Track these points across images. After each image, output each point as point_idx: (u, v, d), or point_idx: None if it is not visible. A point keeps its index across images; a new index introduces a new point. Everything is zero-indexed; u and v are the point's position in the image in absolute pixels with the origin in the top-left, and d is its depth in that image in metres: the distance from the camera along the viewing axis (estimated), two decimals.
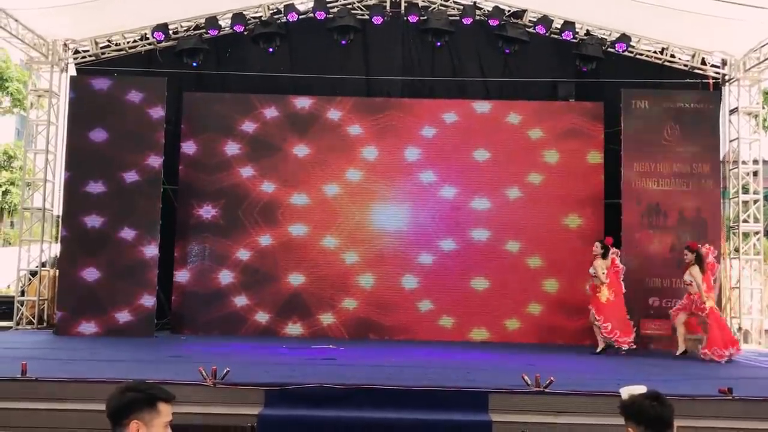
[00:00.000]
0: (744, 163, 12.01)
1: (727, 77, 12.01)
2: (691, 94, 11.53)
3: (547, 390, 6.20)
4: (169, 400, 2.71)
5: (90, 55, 12.19)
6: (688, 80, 11.92)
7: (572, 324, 11.22)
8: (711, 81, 12.02)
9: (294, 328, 11.39)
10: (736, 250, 11.96)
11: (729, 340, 9.41)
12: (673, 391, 6.21)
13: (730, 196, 12.14)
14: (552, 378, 6.24)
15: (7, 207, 25.18)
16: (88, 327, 10.78)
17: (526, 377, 6.32)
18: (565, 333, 11.33)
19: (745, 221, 11.92)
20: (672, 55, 11.99)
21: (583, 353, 9.92)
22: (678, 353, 9.61)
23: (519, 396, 6.24)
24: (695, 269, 9.40)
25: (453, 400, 6.24)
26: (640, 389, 3.23)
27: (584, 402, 6.18)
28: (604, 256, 9.95)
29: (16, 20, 11.16)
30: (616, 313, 9.85)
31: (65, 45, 12.18)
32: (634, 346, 9.85)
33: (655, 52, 12.04)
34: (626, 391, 3.25)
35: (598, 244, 10.05)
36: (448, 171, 11.80)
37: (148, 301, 10.92)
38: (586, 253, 11.30)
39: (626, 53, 11.84)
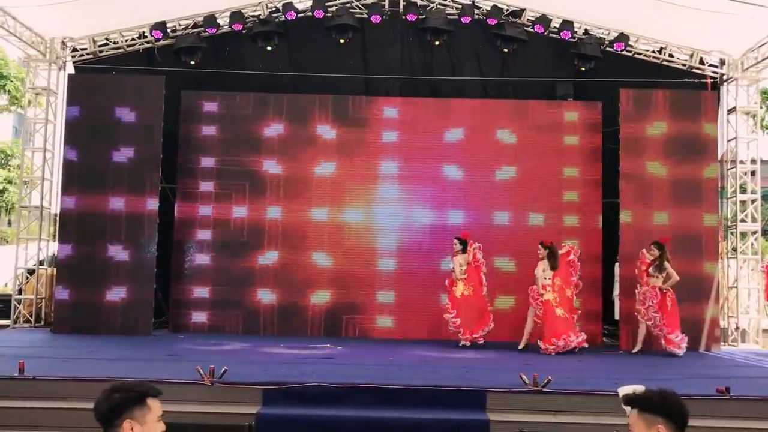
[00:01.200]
0: (742, 162, 12.02)
1: (725, 77, 12.02)
2: (689, 93, 11.53)
3: (544, 389, 6.21)
4: (157, 395, 2.72)
5: (88, 54, 12.17)
6: (686, 79, 11.92)
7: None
8: (709, 80, 12.02)
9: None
10: (734, 249, 11.98)
11: (562, 331, 9.62)
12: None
13: (728, 196, 12.15)
14: (550, 377, 6.25)
15: (4, 205, 25.14)
16: (86, 325, 10.76)
17: (524, 376, 6.33)
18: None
19: (743, 221, 11.94)
20: (670, 55, 11.99)
21: (580, 352, 9.92)
22: (520, 347, 9.92)
23: (517, 395, 6.25)
24: (545, 263, 9.82)
25: (451, 399, 6.25)
26: (639, 389, 3.21)
27: (582, 401, 6.20)
28: (464, 251, 10.11)
29: (14, 18, 11.14)
30: (470, 308, 10.07)
31: (63, 43, 12.15)
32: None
33: (653, 51, 12.04)
34: (624, 391, 3.23)
35: (456, 241, 10.22)
36: (446, 169, 11.79)
37: (146, 299, 10.91)
38: (584, 253, 11.33)
39: (624, 52, 11.84)
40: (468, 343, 9.96)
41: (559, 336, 9.53)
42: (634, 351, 9.94)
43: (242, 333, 11.22)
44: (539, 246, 10.03)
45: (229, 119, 11.87)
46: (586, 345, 9.82)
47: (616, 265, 11.18)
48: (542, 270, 9.85)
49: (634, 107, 11.20)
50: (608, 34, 11.83)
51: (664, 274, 9.78)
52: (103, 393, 2.64)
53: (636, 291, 10.07)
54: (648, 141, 11.12)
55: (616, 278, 11.22)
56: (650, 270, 9.82)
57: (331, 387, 6.31)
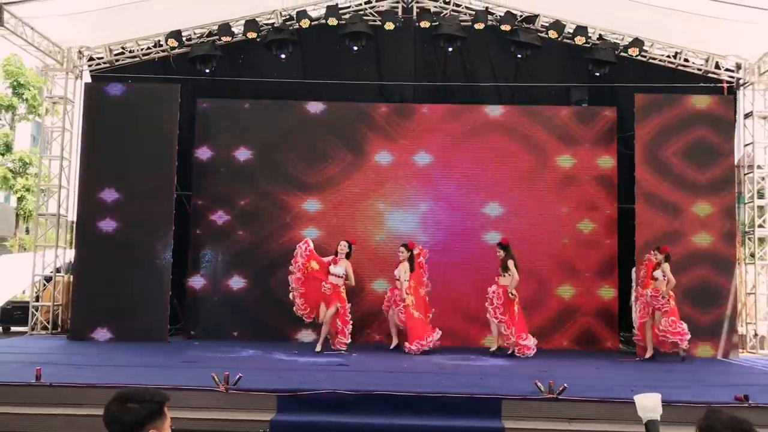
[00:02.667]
0: (759, 167, 11.91)
1: (741, 81, 11.93)
2: (705, 98, 11.45)
3: (560, 397, 6.17)
4: (169, 399, 2.75)
5: (104, 62, 12.29)
6: (701, 84, 11.83)
7: (584, 329, 11.15)
8: (725, 85, 11.93)
9: (306, 335, 11.36)
10: (752, 255, 11.86)
11: (424, 331, 10.05)
12: (688, 398, 6.17)
13: (745, 201, 12.03)
14: (565, 385, 6.21)
15: (22, 213, 25.41)
16: (102, 332, 10.84)
17: (539, 384, 6.30)
18: (581, 339, 11.26)
19: (760, 226, 11.82)
20: (685, 59, 11.92)
21: (597, 359, 9.85)
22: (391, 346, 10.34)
23: (532, 402, 6.22)
24: (405, 265, 10.11)
25: (466, 407, 6.23)
26: (655, 397, 3.18)
27: (597, 409, 6.16)
28: (410, 258, 10.20)
29: (32, 28, 11.28)
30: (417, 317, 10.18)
31: (80, 52, 12.28)
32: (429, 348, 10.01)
33: (668, 56, 11.98)
34: (640, 399, 3.20)
35: (403, 248, 10.26)
36: (459, 176, 11.78)
37: (162, 306, 10.97)
38: (599, 258, 11.29)
39: (639, 57, 11.78)
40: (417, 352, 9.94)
41: (423, 337, 9.98)
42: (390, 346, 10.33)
43: (258, 339, 11.21)
44: (402, 247, 10.31)
45: (244, 126, 11.92)
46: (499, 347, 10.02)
47: (633, 270, 11.10)
48: (404, 272, 10.08)
49: (649, 112, 11.12)
50: (622, 39, 11.78)
51: (508, 274, 9.98)
52: (115, 404, 2.62)
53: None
54: (663, 146, 11.05)
55: (634, 284, 11.14)
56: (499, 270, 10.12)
57: (345, 394, 6.31)
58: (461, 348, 10.69)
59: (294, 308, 10.11)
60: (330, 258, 10.12)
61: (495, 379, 7.49)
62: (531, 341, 9.97)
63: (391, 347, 10.32)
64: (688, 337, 9.78)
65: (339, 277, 9.96)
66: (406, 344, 10.02)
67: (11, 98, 24.67)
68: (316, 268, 10.04)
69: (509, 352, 9.95)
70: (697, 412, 5.47)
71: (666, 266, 9.82)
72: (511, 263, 10.01)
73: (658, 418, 3.13)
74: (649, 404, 3.16)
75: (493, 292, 10.13)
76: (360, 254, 10.85)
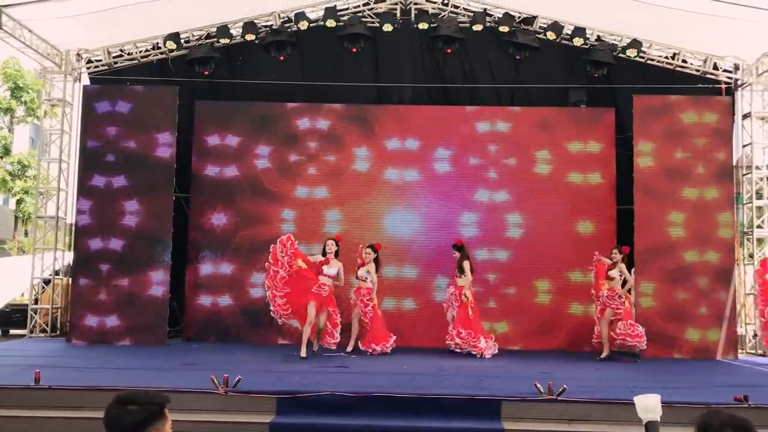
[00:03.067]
0: (758, 168, 11.92)
1: (739, 82, 11.94)
2: (703, 99, 11.46)
3: (559, 398, 6.17)
4: (169, 401, 2.76)
5: (103, 65, 12.29)
6: (700, 85, 11.85)
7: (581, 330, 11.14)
8: (723, 86, 11.94)
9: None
10: (751, 256, 11.86)
11: (385, 334, 10.15)
12: (688, 399, 6.17)
13: (744, 202, 12.05)
14: (565, 386, 6.21)
15: (21, 216, 25.39)
16: (101, 334, 10.82)
17: (538, 385, 6.29)
18: (579, 340, 11.25)
19: (759, 227, 11.83)
20: (684, 60, 11.93)
21: (597, 361, 9.85)
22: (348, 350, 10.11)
23: (532, 404, 6.22)
24: (372, 266, 10.09)
25: (465, 408, 6.23)
26: (655, 398, 3.18)
27: (597, 410, 6.16)
28: (377, 260, 10.18)
29: (30, 30, 11.27)
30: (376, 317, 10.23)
31: (78, 55, 12.28)
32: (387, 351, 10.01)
33: (666, 57, 11.99)
34: (640, 400, 3.21)
35: (369, 250, 10.13)
36: (459, 177, 11.78)
37: (160, 308, 10.96)
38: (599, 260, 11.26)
39: (637, 59, 11.79)
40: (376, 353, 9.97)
41: (387, 338, 10.08)
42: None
43: (257, 342, 11.20)
44: (368, 249, 10.18)
45: (242, 128, 11.93)
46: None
47: (632, 271, 11.09)
48: (368, 272, 10.07)
49: (647, 113, 11.13)
50: (621, 40, 11.79)
51: (464, 275, 10.02)
52: (115, 406, 2.62)
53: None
54: (662, 146, 11.05)
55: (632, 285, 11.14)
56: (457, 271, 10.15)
57: (344, 396, 6.30)
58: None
59: (271, 308, 9.51)
60: (317, 258, 9.82)
61: (494, 381, 7.49)
62: (483, 343, 9.94)
63: (348, 350, 10.07)
64: (645, 339, 9.86)
65: (332, 278, 9.76)
66: (365, 343, 10.02)
67: (9, 101, 24.67)
68: (303, 266, 9.54)
69: (458, 350, 9.99)
70: (697, 413, 5.46)
71: (623, 266, 9.89)
72: (466, 264, 10.06)
73: (658, 419, 3.13)
74: (649, 405, 3.16)
75: (451, 294, 10.24)
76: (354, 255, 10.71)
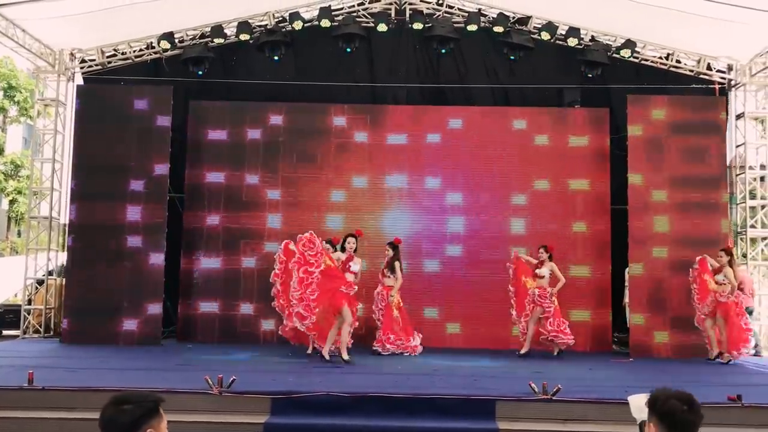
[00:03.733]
0: (751, 168, 11.97)
1: (733, 82, 11.98)
2: (697, 99, 11.50)
3: (554, 398, 6.17)
4: (164, 401, 2.76)
5: (96, 64, 12.25)
6: (693, 85, 11.89)
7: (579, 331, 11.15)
8: (717, 86, 11.98)
9: None
10: (744, 255, 11.90)
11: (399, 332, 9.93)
12: None
13: (738, 202, 12.10)
14: (559, 386, 6.21)
15: (14, 216, 25.31)
16: (95, 335, 10.78)
17: (533, 385, 6.30)
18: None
19: (752, 227, 11.87)
20: (677, 61, 11.97)
21: (591, 361, 9.87)
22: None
23: (526, 404, 6.22)
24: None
25: (460, 408, 6.22)
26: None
27: (592, 409, 6.16)
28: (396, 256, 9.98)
29: (23, 30, 11.22)
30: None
31: (72, 54, 12.23)
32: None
33: (660, 57, 12.02)
34: (634, 399, 3.22)
35: (325, 243, 9.33)
36: (454, 178, 11.80)
37: (155, 309, 10.93)
38: (593, 260, 11.31)
39: (631, 59, 11.81)
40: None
41: (405, 336, 10.00)
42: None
43: (252, 342, 11.17)
44: (388, 246, 10.09)
45: (237, 128, 11.91)
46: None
47: (627, 271, 11.14)
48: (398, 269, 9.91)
49: (641, 113, 11.17)
50: (615, 40, 11.82)
51: (393, 275, 9.91)
52: (111, 407, 2.62)
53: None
54: (655, 146, 11.09)
55: (627, 284, 11.18)
56: (385, 270, 10.02)
57: (339, 396, 6.29)
58: (456, 350, 10.68)
59: (296, 315, 8.74)
60: (340, 255, 9.40)
61: (489, 380, 7.49)
62: (415, 341, 10.02)
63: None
64: (572, 336, 9.95)
65: (356, 275, 9.31)
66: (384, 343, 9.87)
67: (2, 100, 24.59)
68: (331, 264, 8.99)
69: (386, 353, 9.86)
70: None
71: (553, 264, 9.97)
72: (397, 265, 9.95)
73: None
74: (642, 404, 3.18)
75: (378, 293, 10.12)
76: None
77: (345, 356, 8.82)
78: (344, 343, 8.92)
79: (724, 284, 9.61)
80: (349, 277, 9.17)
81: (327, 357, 8.81)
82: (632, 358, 10.23)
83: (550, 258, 10.03)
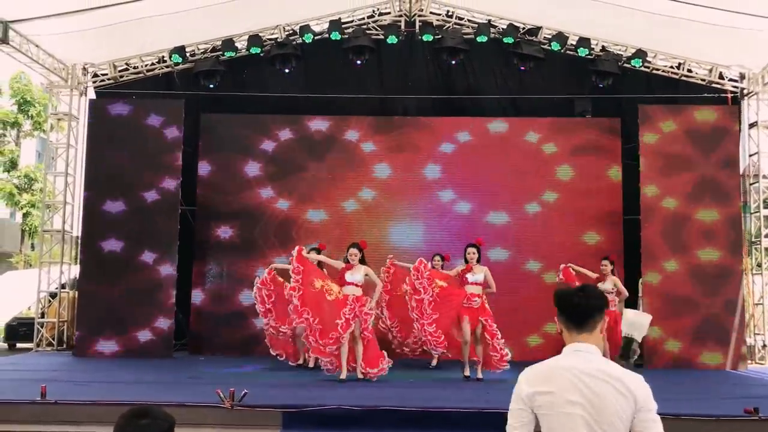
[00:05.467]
0: (765, 177, 11.87)
1: (745, 91, 11.90)
2: (709, 108, 11.43)
3: None
4: (175, 421, 2.75)
5: (108, 79, 12.34)
6: (705, 95, 11.82)
7: None
8: (729, 95, 11.91)
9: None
10: (759, 265, 11.79)
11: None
12: (698, 411, 6.11)
13: (752, 211, 12.00)
14: None
15: (27, 229, 25.45)
16: (107, 348, 10.83)
17: None
18: None
19: (767, 236, 11.75)
20: (689, 70, 11.92)
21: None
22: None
23: None
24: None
25: (472, 421, 6.17)
26: (646, 318, 3.28)
27: None
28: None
29: (37, 45, 11.34)
30: None
31: (84, 69, 12.34)
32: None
33: (671, 67, 11.98)
34: (630, 314, 3.34)
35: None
36: (464, 189, 11.78)
37: (166, 321, 10.97)
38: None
39: (643, 68, 11.78)
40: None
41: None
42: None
43: (263, 355, 11.14)
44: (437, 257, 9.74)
45: (248, 141, 11.95)
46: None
47: (640, 281, 11.06)
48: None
49: (653, 123, 11.12)
50: (626, 50, 11.79)
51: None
52: (126, 420, 2.59)
53: None
54: (668, 155, 11.02)
55: (641, 295, 11.08)
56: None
57: (351, 409, 6.26)
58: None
59: (427, 339, 8.55)
60: (339, 264, 8.77)
61: (502, 393, 7.40)
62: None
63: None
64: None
65: (356, 285, 8.50)
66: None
67: (17, 115, 24.81)
68: (444, 285, 8.85)
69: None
70: (707, 426, 5.39)
71: (617, 279, 9.48)
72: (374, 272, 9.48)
73: (639, 340, 3.24)
74: (636, 322, 3.30)
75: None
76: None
77: (466, 371, 8.66)
78: (465, 354, 8.68)
79: (612, 293, 9.03)
80: (348, 289, 8.43)
81: (467, 374, 8.65)
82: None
83: (613, 272, 9.48)
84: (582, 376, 2.40)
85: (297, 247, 8.78)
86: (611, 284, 9.24)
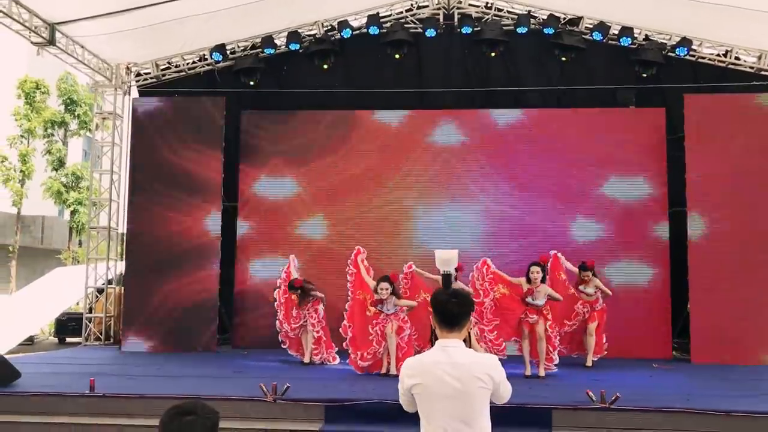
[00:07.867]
0: None
1: None
2: (757, 96, 11.09)
3: (612, 406, 6.02)
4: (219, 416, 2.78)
5: (151, 78, 12.54)
6: (754, 82, 11.47)
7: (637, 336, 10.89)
8: None
9: None
10: None
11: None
12: (751, 408, 5.95)
13: None
14: (617, 394, 6.05)
15: (75, 226, 26.08)
16: (152, 342, 11.03)
17: (590, 393, 6.16)
18: (632, 346, 10.99)
19: None
20: (737, 58, 11.58)
21: (647, 367, 9.61)
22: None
23: (583, 413, 6.09)
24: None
25: (515, 417, 6.09)
26: (453, 252, 3.61)
27: (651, 419, 5.98)
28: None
29: (83, 47, 11.58)
30: None
31: (128, 68, 12.56)
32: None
33: (718, 54, 11.66)
34: (440, 253, 3.65)
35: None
36: (506, 181, 11.67)
37: (210, 316, 11.11)
38: (652, 263, 11.02)
39: (688, 57, 11.49)
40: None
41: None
42: None
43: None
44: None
45: (289, 136, 12.03)
46: None
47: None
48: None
49: (699, 113, 10.83)
50: (670, 38, 11.52)
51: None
52: (171, 417, 2.61)
53: None
54: (715, 147, 10.73)
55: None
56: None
57: (393, 404, 6.24)
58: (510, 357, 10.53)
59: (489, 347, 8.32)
60: (370, 281, 8.73)
61: (545, 389, 7.36)
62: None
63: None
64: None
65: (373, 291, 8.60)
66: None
67: (64, 115, 25.42)
68: (506, 293, 8.69)
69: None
70: (759, 423, 5.24)
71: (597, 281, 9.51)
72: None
73: (454, 273, 3.61)
74: (446, 258, 3.63)
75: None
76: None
77: (527, 371, 8.61)
78: (526, 355, 8.69)
79: (596, 293, 9.39)
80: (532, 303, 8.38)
81: (529, 373, 8.57)
82: (656, 365, 9.81)
83: (594, 274, 9.49)
84: (447, 368, 2.87)
85: (356, 248, 9.02)
86: (593, 288, 9.45)
